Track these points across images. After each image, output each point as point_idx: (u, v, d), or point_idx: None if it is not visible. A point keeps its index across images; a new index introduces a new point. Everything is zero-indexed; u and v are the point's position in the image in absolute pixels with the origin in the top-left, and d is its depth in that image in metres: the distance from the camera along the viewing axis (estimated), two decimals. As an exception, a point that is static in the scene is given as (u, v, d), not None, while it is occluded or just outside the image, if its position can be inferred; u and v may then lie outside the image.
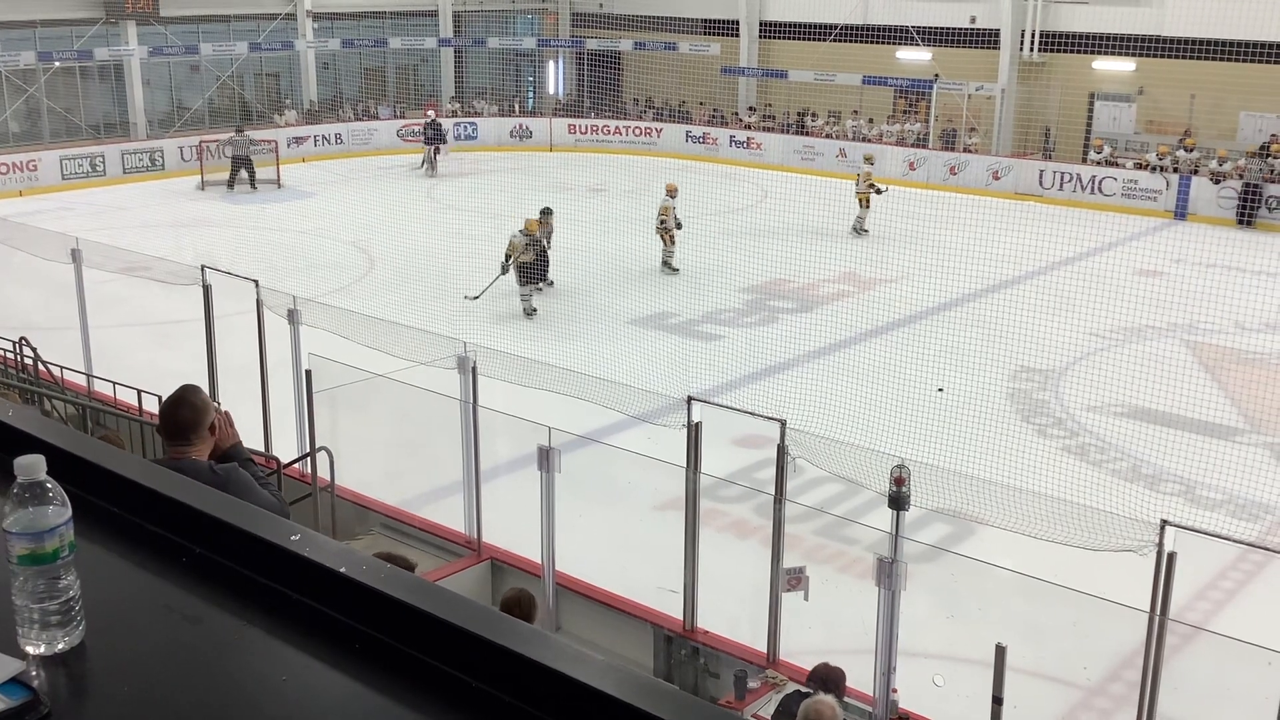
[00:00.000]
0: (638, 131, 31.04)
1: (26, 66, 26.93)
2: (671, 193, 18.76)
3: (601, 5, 33.65)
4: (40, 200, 23.86)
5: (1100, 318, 15.86)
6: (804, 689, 6.40)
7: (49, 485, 1.45)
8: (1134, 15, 25.08)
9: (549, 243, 17.47)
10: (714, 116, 31.03)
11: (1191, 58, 23.84)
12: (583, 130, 31.47)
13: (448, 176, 27.19)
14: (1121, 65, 25.97)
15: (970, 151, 27.21)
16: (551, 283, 17.43)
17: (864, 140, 28.21)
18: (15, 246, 14.27)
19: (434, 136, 27.73)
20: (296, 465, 9.23)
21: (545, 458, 7.55)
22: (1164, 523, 6.22)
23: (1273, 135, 24.16)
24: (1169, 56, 24.48)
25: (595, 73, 32.22)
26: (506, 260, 16.40)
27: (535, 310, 16.38)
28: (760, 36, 31.58)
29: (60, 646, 1.44)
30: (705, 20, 31.48)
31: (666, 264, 18.78)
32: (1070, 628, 7.73)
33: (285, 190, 25.67)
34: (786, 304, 17.43)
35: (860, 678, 6.60)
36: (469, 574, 8.42)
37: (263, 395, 10.27)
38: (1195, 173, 23.96)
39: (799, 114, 29.93)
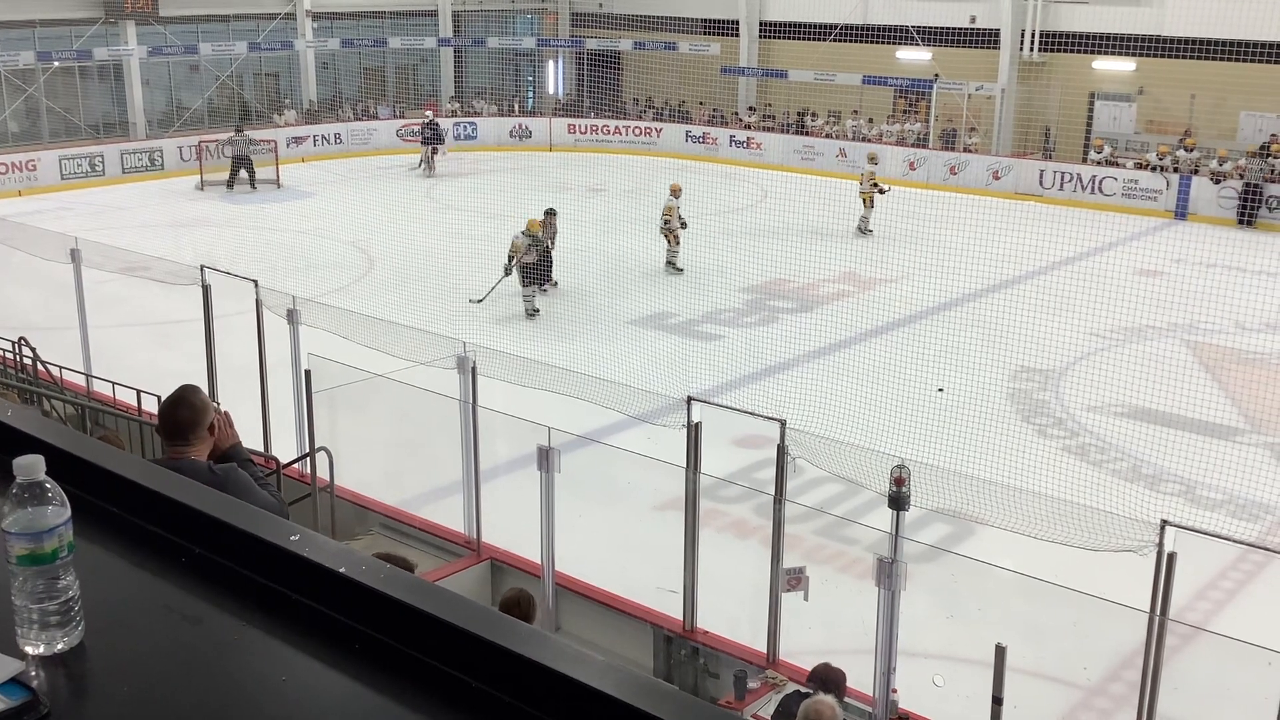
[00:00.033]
0: (637, 131, 31.04)
1: (26, 66, 26.93)
2: (675, 193, 18.78)
3: (601, 5, 33.65)
4: (39, 200, 23.86)
5: (1100, 318, 15.86)
6: (804, 689, 6.40)
7: (48, 485, 1.45)
8: (1134, 15, 25.09)
9: (553, 243, 17.45)
10: (714, 116, 31.03)
11: (1191, 58, 23.85)
12: (582, 130, 31.47)
13: (447, 176, 27.18)
14: (1121, 65, 25.98)
15: (970, 151, 27.21)
16: (555, 283, 17.41)
17: (864, 140, 28.22)
18: (14, 246, 14.27)
19: (431, 137, 27.71)
20: (296, 465, 9.23)
21: (545, 458, 7.55)
22: (1164, 523, 6.22)
23: (1272, 135, 24.16)
24: (1169, 56, 24.49)
25: (595, 73, 32.23)
26: (510, 262, 16.35)
27: (538, 311, 16.36)
28: (760, 36, 31.59)
29: (60, 647, 1.44)
30: (705, 20, 31.49)
31: (671, 264, 18.79)
32: (1070, 628, 7.73)
33: (284, 190, 25.67)
34: (786, 304, 17.43)
35: (860, 678, 6.60)
36: (468, 574, 8.42)
37: (262, 395, 10.26)
38: (1195, 173, 23.97)
39: (799, 114, 29.93)
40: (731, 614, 8.02)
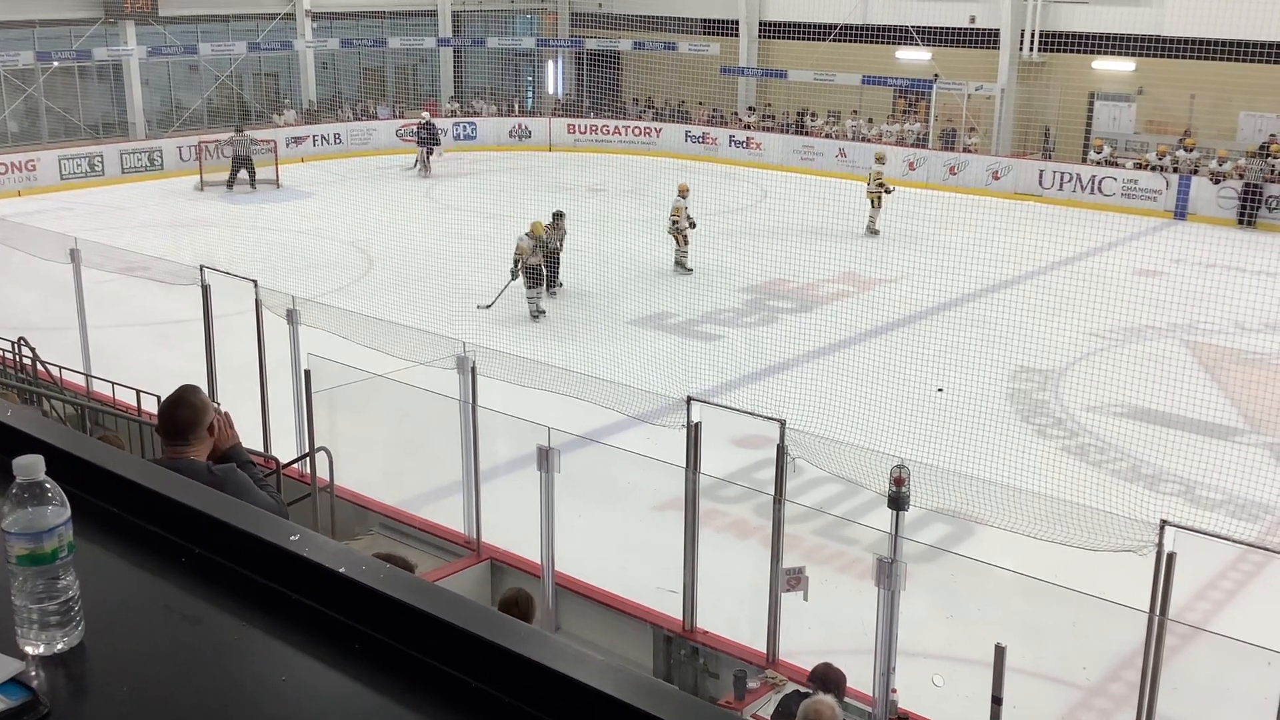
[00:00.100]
0: (637, 131, 31.04)
1: (25, 66, 26.92)
2: (683, 193, 18.80)
3: (601, 5, 33.65)
4: (39, 200, 23.86)
5: (1100, 318, 15.86)
6: (803, 689, 6.40)
7: (48, 485, 1.45)
8: (1134, 15, 25.09)
9: (561, 245, 17.39)
10: (713, 116, 31.04)
11: (1191, 58, 23.85)
12: (582, 130, 31.47)
13: (447, 176, 27.18)
14: (1121, 65, 25.98)
15: (970, 151, 27.21)
16: (561, 284, 17.35)
17: (864, 140, 28.23)
18: (14, 246, 14.27)
19: (427, 138, 27.67)
20: (296, 465, 9.23)
21: (544, 458, 7.55)
22: (1164, 523, 6.22)
23: (1271, 135, 24.16)
24: (1169, 56, 24.49)
25: (594, 73, 32.24)
26: (515, 265, 16.22)
27: (543, 313, 16.30)
28: (760, 36, 31.59)
29: (59, 647, 1.44)
30: (705, 20, 31.50)
31: (680, 264, 18.80)
32: (1070, 628, 7.73)
33: (284, 190, 25.67)
34: (786, 304, 17.43)
35: (860, 678, 6.60)
36: (468, 574, 8.42)
37: (262, 395, 10.26)
38: (1195, 173, 23.97)
39: (798, 114, 29.93)
40: (731, 614, 8.02)
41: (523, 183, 25.22)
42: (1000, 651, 5.90)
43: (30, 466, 1.45)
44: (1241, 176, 23.24)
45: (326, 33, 31.75)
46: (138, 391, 10.21)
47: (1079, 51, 25.40)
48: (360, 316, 11.10)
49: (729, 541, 9.66)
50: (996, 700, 5.91)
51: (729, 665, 7.40)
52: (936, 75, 27.96)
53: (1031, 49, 26.99)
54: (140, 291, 15.37)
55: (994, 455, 10.67)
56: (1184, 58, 24.07)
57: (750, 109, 31.00)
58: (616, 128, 31.25)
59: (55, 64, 27.41)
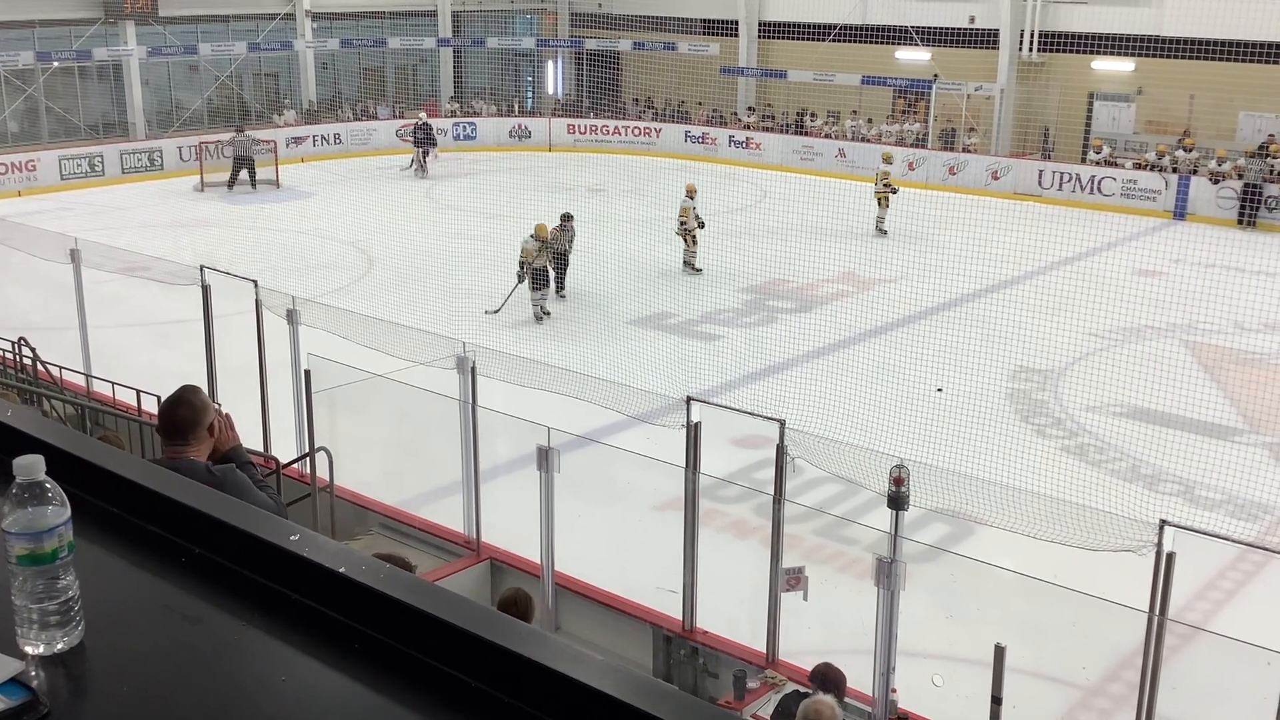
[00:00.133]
0: (637, 131, 31.05)
1: (25, 66, 26.92)
2: (691, 194, 18.81)
3: (600, 5, 33.66)
4: (39, 200, 23.85)
5: (1099, 318, 15.86)
6: (803, 689, 6.40)
7: (48, 485, 1.45)
8: (1133, 15, 25.09)
9: (570, 247, 17.33)
10: (713, 116, 31.04)
11: (1191, 58, 23.85)
12: (582, 130, 31.47)
13: (446, 177, 27.18)
14: (1121, 65, 25.98)
15: (969, 151, 27.22)
16: (563, 293, 17.19)
17: (863, 140, 28.25)
18: (14, 246, 14.27)
19: (423, 139, 27.66)
20: (295, 465, 9.24)
21: (544, 458, 7.55)
22: (1163, 523, 6.22)
23: (1271, 135, 24.16)
24: (1168, 56, 24.49)
25: (594, 73, 32.24)
26: (521, 269, 16.12)
27: (548, 314, 16.25)
28: (759, 36, 31.59)
29: (59, 647, 1.44)
30: (704, 20, 31.50)
31: (689, 264, 18.80)
32: (1069, 628, 7.73)
33: (284, 190, 25.67)
34: (785, 304, 17.43)
35: (860, 678, 6.60)
36: (468, 574, 8.42)
37: (262, 395, 10.27)
38: (1194, 173, 23.97)
39: (798, 114, 29.93)
40: (731, 614, 8.02)
41: (522, 183, 25.22)
42: (1000, 651, 5.90)
43: (30, 466, 1.45)
44: (1241, 176, 23.24)
45: (326, 33, 31.75)
46: (138, 391, 10.21)
47: (1078, 51, 25.40)
48: (360, 316, 11.10)
49: (729, 541, 9.66)
50: (996, 700, 5.91)
51: (729, 665, 7.40)
52: (936, 75, 27.97)
53: (1031, 49, 26.99)
54: (140, 291, 15.37)
55: (993, 455, 10.67)
56: (1183, 58, 24.08)
57: (750, 109, 31.00)
58: (616, 128, 31.25)
59: (55, 64, 27.41)
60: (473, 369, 8.58)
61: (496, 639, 1.37)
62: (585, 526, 9.43)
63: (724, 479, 9.61)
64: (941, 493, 7.71)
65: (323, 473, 8.83)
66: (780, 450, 7.22)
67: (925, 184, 25.97)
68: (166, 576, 1.62)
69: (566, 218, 17.31)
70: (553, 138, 31.34)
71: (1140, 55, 24.97)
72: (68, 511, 1.45)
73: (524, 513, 7.86)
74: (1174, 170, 24.12)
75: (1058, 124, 27.31)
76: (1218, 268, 18.61)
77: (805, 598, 7.17)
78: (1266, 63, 22.48)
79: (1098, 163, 25.08)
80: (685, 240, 18.81)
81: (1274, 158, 23.35)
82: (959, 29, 27.58)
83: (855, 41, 29.27)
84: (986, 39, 27.25)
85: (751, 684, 7.05)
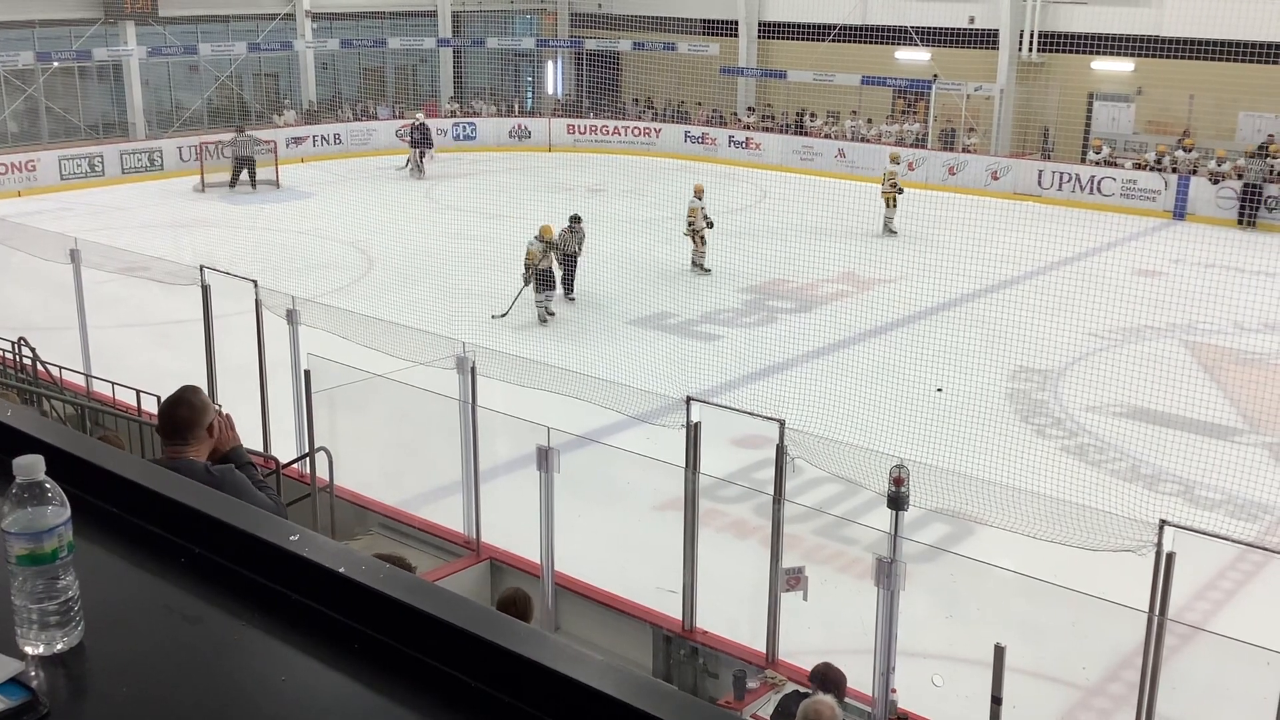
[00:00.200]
0: (637, 132, 31.05)
1: (25, 66, 26.92)
2: (699, 194, 18.81)
3: (600, 5, 33.66)
4: (39, 200, 23.85)
5: (1099, 318, 15.86)
6: (803, 689, 6.40)
7: (48, 485, 1.45)
8: (1133, 15, 25.09)
9: (580, 249, 17.26)
10: (713, 117, 31.04)
11: (1190, 58, 23.85)
12: (582, 130, 31.47)
13: (443, 177, 27.17)
14: (1120, 65, 25.98)
15: (969, 152, 27.22)
16: (572, 296, 17.10)
17: (863, 140, 28.25)
18: (14, 247, 14.27)
19: (420, 140, 27.63)
20: (295, 465, 9.24)
21: (544, 458, 7.55)
22: (1163, 523, 6.23)
23: (1270, 135, 24.16)
24: (1168, 57, 24.49)
25: (594, 73, 32.24)
26: (527, 272, 16.06)
27: (553, 314, 16.22)
28: (759, 37, 31.59)
29: (59, 647, 1.44)
30: (704, 20, 31.48)
31: (698, 265, 18.80)
32: (1069, 628, 7.73)
33: (284, 190, 25.67)
34: (785, 304, 17.43)
35: (859, 678, 6.60)
36: (468, 574, 8.42)
37: (261, 395, 10.27)
38: (1194, 173, 23.97)
39: (798, 114, 29.93)
40: (731, 614, 8.02)
41: (522, 183, 25.21)
42: (1000, 651, 5.90)
43: (30, 466, 1.45)
44: (1240, 177, 23.24)
45: (326, 33, 31.75)
46: (138, 391, 10.21)
47: (1078, 52, 25.40)
48: (360, 317, 11.10)
49: (729, 541, 9.66)
50: (996, 700, 5.91)
51: (729, 665, 7.40)
52: (936, 75, 27.97)
53: (1031, 49, 26.99)
54: (140, 292, 15.37)
55: (993, 455, 10.67)
56: (1183, 58, 24.08)
57: (750, 109, 31.00)
58: (616, 128, 31.25)
59: (55, 64, 27.41)
60: (472, 369, 8.58)
61: (496, 639, 1.37)
62: (585, 526, 9.43)
63: (724, 479, 9.61)
64: (941, 493, 7.72)
65: (322, 473, 8.83)
66: (780, 450, 7.22)
67: (925, 184, 25.95)
68: (166, 576, 1.62)
69: (576, 219, 17.17)
70: (552, 138, 31.34)
71: (1140, 55, 24.97)
72: (67, 511, 1.45)
73: (524, 513, 7.86)
74: (1174, 170, 24.12)
75: (1057, 124, 27.31)
76: (1217, 268, 18.61)
77: (805, 598, 7.18)
78: (1266, 63, 22.48)
79: (1097, 163, 25.07)
80: (694, 240, 18.80)
81: (1274, 158, 23.35)
82: (959, 29, 27.58)
83: (855, 42, 29.27)
84: (986, 39, 27.25)
85: (751, 684, 7.05)
